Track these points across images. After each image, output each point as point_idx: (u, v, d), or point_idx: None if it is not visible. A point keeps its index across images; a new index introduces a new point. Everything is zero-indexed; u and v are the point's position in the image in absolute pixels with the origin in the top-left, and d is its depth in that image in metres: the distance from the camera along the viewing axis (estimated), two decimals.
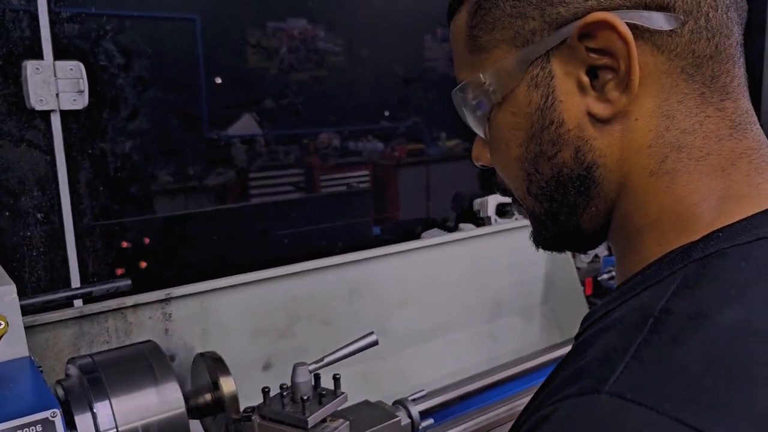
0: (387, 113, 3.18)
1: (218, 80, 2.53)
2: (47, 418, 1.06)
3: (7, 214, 2.07)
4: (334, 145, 3.05)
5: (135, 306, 1.70)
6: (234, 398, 1.35)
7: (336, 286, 2.08)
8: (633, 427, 0.51)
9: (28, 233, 2.11)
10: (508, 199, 3.04)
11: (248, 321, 1.89)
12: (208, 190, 2.54)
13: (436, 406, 1.75)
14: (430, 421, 1.49)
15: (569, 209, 0.78)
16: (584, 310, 2.61)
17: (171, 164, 2.41)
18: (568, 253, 2.68)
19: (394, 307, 2.20)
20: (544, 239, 0.86)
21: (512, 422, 1.77)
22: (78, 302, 1.87)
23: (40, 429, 1.04)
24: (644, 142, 0.70)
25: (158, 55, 2.33)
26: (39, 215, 2.11)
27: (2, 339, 1.29)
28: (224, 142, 2.57)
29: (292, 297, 1.99)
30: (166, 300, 1.75)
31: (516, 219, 2.83)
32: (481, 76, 0.79)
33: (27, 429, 1.04)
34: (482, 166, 0.91)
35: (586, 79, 0.71)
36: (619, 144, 0.71)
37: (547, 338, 2.65)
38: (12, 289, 1.33)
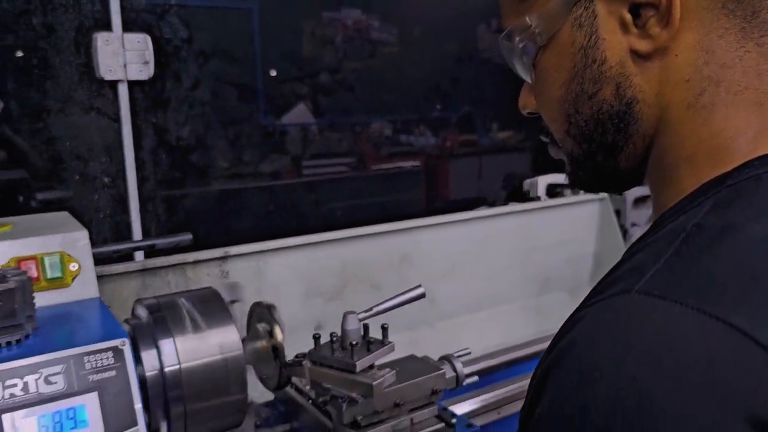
0: (438, 104, 3.21)
1: (273, 72, 2.61)
2: (117, 346, 1.14)
3: (77, 177, 2.19)
4: (385, 134, 3.09)
5: (195, 262, 1.79)
6: (283, 347, 1.41)
7: (385, 253, 2.14)
8: (657, 319, 0.54)
9: (96, 197, 2.23)
10: (559, 179, 3.03)
11: (300, 283, 1.97)
12: (265, 165, 2.62)
13: (482, 370, 1.79)
14: (475, 378, 1.52)
15: (607, 150, 0.81)
16: None
17: (229, 136, 2.50)
18: (618, 232, 2.67)
19: (442, 276, 2.24)
20: (580, 180, 0.88)
21: None
22: (140, 257, 1.98)
23: (111, 355, 1.13)
24: (683, 77, 0.72)
25: (219, 29, 2.43)
26: (106, 179, 2.23)
27: (75, 280, 1.39)
28: (279, 130, 2.65)
29: (343, 262, 2.06)
30: (224, 258, 1.83)
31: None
32: (527, 19, 0.82)
33: (99, 355, 1.12)
34: (529, 113, 0.94)
35: (628, 17, 0.74)
36: (658, 79, 0.74)
37: None
38: (85, 234, 1.43)
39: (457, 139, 3.40)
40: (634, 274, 0.61)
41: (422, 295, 1.37)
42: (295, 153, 2.71)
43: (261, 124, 2.63)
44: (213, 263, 1.81)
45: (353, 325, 1.31)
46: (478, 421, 1.65)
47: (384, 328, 1.35)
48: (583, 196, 2.68)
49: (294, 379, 1.60)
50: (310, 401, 1.50)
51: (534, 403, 0.64)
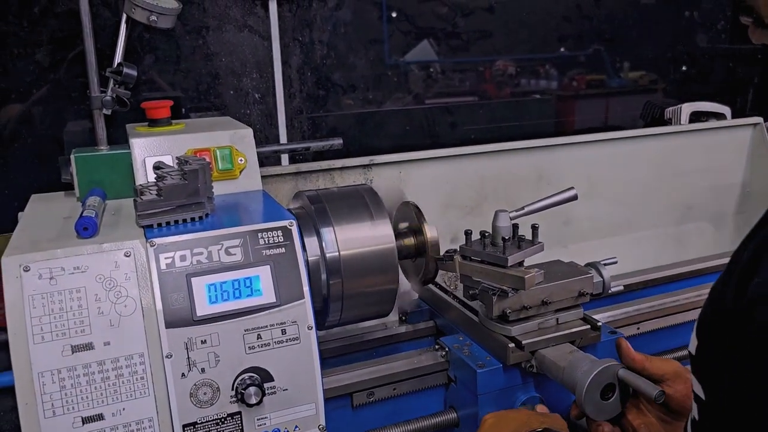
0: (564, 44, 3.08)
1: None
2: (285, 226, 1.24)
3: (231, 92, 2.33)
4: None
5: (342, 168, 1.87)
6: (435, 244, 1.47)
7: (523, 170, 2.13)
8: None
9: (248, 111, 2.36)
10: (705, 107, 2.83)
11: (439, 195, 2.01)
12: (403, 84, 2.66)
13: (629, 285, 1.77)
14: (620, 287, 1.52)
15: None
16: None
17: (370, 54, 2.54)
18: None
19: (580, 197, 2.20)
20: None
21: (695, 309, 1.74)
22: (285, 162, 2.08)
23: (281, 234, 1.23)
24: None
25: None
26: (257, 95, 2.35)
27: (242, 173, 1.51)
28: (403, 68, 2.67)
29: (481, 177, 2.07)
30: (369, 166, 1.90)
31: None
32: None
33: (271, 233, 1.22)
34: None
35: None
36: None
37: None
38: (250, 132, 1.53)
39: (584, 79, 3.27)
40: None
41: (574, 197, 1.37)
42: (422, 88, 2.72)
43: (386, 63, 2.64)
44: (358, 170, 1.89)
45: (504, 222, 1.34)
46: None
47: (534, 228, 1.37)
48: (734, 120, 2.52)
49: (438, 279, 1.66)
50: (455, 298, 1.55)
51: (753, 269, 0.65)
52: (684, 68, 3.45)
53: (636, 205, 2.35)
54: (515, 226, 1.37)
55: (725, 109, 3.06)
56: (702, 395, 0.78)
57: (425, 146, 2.55)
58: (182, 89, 2.26)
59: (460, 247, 1.39)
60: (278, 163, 2.17)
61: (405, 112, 2.70)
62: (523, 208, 1.36)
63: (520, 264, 1.34)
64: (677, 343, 1.78)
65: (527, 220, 1.40)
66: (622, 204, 2.31)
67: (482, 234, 1.37)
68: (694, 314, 1.76)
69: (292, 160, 2.31)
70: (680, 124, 2.95)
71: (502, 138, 2.23)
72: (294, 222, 1.25)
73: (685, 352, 1.76)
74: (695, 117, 3.01)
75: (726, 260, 2.06)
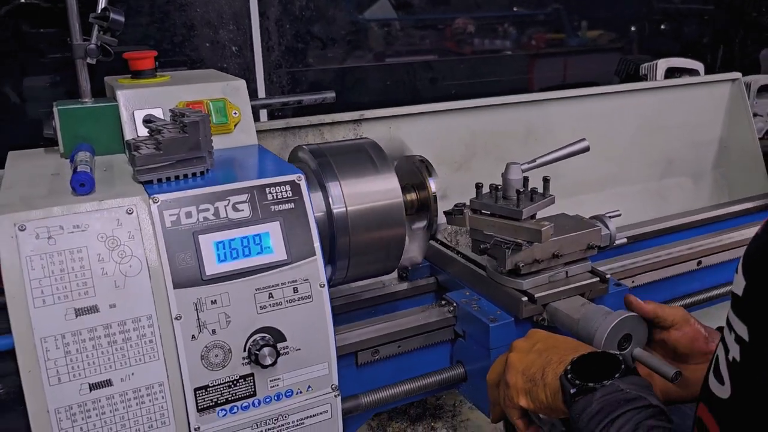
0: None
1: None
2: (294, 180, 1.18)
3: (207, 45, 2.22)
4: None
5: (332, 123, 1.81)
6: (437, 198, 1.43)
7: (512, 126, 2.10)
8: None
9: (225, 65, 2.25)
10: (678, 63, 2.84)
11: (430, 150, 1.95)
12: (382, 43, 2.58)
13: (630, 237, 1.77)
14: (624, 239, 1.51)
15: None
16: (763, 180, 2.48)
17: (350, 6, 2.45)
18: (750, 117, 2.52)
19: None
20: None
21: (692, 260, 1.74)
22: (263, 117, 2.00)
23: (289, 189, 1.17)
24: None
25: None
26: (234, 48, 2.25)
27: (237, 127, 1.43)
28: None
29: (471, 132, 2.04)
30: (359, 121, 1.84)
31: None
32: None
33: (279, 187, 1.16)
34: None
35: None
36: None
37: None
38: (243, 84, 1.45)
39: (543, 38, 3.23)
40: None
41: (586, 149, 1.34)
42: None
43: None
44: (348, 125, 1.83)
45: (516, 175, 1.31)
46: None
47: (546, 180, 1.34)
48: (713, 76, 2.53)
49: (437, 235, 1.62)
50: (458, 254, 1.52)
51: None
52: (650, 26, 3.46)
53: (620, 161, 2.35)
54: (526, 179, 1.34)
55: (698, 65, 3.09)
56: (746, 336, 0.77)
57: (407, 102, 2.49)
58: (156, 41, 2.14)
59: (470, 200, 1.36)
60: (257, 119, 2.09)
61: (387, 68, 2.64)
62: (534, 160, 1.33)
63: (533, 217, 1.31)
64: (670, 294, 1.80)
65: (537, 173, 1.37)
66: (607, 159, 2.31)
67: (493, 187, 1.33)
68: (689, 266, 1.79)
69: (271, 116, 2.23)
70: (656, 79, 2.97)
71: (483, 94, 2.18)
72: (302, 176, 1.19)
73: (677, 304, 1.79)
74: (670, 73, 3.03)
75: (706, 215, 2.09)
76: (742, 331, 0.77)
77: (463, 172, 2.04)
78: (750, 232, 1.86)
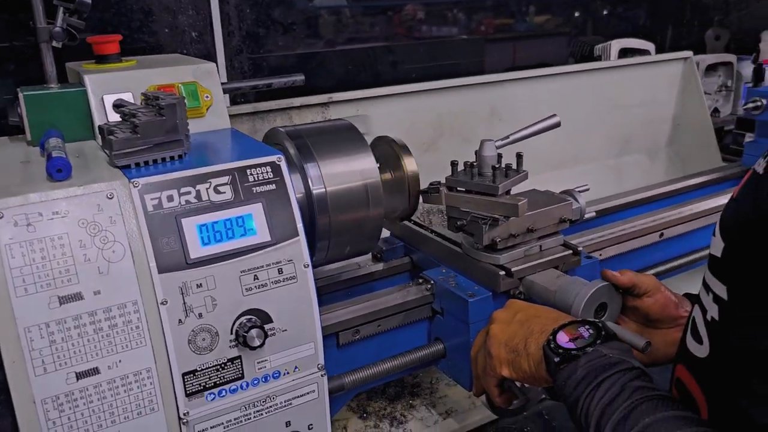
0: None
1: None
2: (274, 161, 1.18)
3: (166, 30, 2.17)
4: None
5: (300, 107, 1.80)
6: (416, 177, 1.44)
7: (477, 106, 2.13)
8: None
9: (185, 51, 2.21)
10: (631, 43, 2.92)
11: (398, 131, 1.95)
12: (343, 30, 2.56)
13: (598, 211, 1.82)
14: (593, 213, 1.55)
15: None
16: (715, 154, 2.58)
17: None
18: (702, 95, 2.62)
19: None
20: None
21: (655, 232, 1.80)
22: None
23: (270, 170, 1.16)
24: None
25: None
26: (194, 34, 2.20)
27: (209, 110, 1.41)
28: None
29: (437, 113, 2.06)
30: (327, 104, 1.84)
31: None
32: None
33: (259, 168, 1.16)
34: None
35: None
36: None
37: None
38: (214, 67, 1.44)
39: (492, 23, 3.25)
40: None
41: (557, 124, 1.37)
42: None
43: None
44: (317, 108, 1.83)
45: (490, 151, 1.33)
46: None
47: (519, 156, 1.36)
48: (666, 54, 2.61)
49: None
50: (433, 232, 1.54)
51: None
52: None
53: (579, 139, 2.41)
54: (500, 155, 1.36)
55: (649, 45, 3.18)
56: (724, 296, 0.80)
57: (370, 85, 2.49)
58: (113, 27, 2.08)
59: (446, 178, 1.38)
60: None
61: (347, 52, 2.62)
62: (508, 136, 1.35)
63: (508, 192, 1.34)
64: (636, 266, 1.86)
65: (511, 149, 1.39)
66: (566, 138, 2.36)
67: (468, 164, 1.35)
68: (652, 238, 1.86)
69: (233, 102, 2.20)
70: (610, 59, 3.04)
71: (442, 77, 2.20)
72: (282, 157, 1.18)
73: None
74: (623, 54, 3.11)
75: (665, 188, 2.15)
76: (721, 290, 0.81)
77: (431, 153, 2.06)
78: (707, 204, 1.94)
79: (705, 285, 0.86)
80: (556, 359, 0.98)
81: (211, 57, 2.25)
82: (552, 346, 1.00)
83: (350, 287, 1.57)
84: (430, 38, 2.92)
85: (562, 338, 1.00)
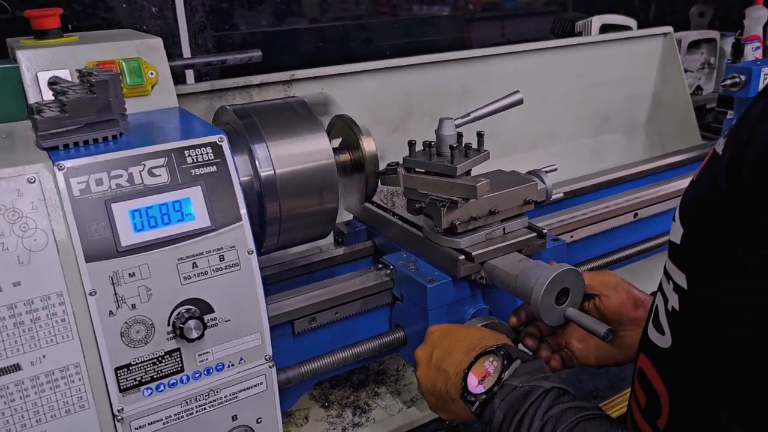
0: None
1: None
2: (215, 142, 1.11)
3: (124, 6, 2.08)
4: None
5: (260, 85, 1.72)
6: (373, 158, 1.38)
7: (448, 84, 2.05)
8: None
9: (145, 27, 2.12)
10: (612, 19, 2.84)
11: (365, 111, 1.90)
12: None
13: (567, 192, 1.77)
14: (561, 194, 1.49)
15: None
16: (694, 133, 2.52)
17: None
18: (682, 72, 2.55)
19: (504, 111, 2.16)
20: None
21: (629, 212, 1.75)
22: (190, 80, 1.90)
23: (210, 151, 1.10)
24: None
25: None
26: (153, 9, 2.11)
27: (154, 89, 1.33)
28: None
29: (407, 92, 1.98)
30: (289, 82, 1.76)
31: None
32: None
33: (199, 149, 1.09)
34: None
35: None
36: None
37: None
38: (160, 42, 1.36)
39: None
40: None
41: (520, 101, 1.31)
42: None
43: None
44: (278, 86, 1.75)
45: (449, 130, 1.26)
46: None
47: (480, 135, 1.30)
48: (645, 30, 2.54)
49: (374, 197, 1.58)
50: (395, 215, 1.48)
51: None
52: None
53: (556, 118, 2.34)
54: (460, 134, 1.30)
55: (631, 22, 3.10)
56: (684, 285, 0.75)
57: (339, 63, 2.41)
58: (65, 1, 1.99)
59: (403, 159, 1.31)
60: (184, 81, 1.98)
61: (318, 30, 2.53)
62: (468, 114, 1.29)
63: (468, 173, 1.27)
64: (608, 247, 1.81)
65: (472, 128, 1.33)
66: (543, 116, 2.30)
67: (426, 144, 1.28)
68: (625, 219, 1.80)
69: (198, 80, 2.12)
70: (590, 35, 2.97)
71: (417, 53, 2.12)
72: (224, 137, 1.11)
73: (616, 257, 1.80)
74: (604, 30, 3.04)
75: (641, 168, 2.09)
76: (681, 279, 0.76)
77: (400, 133, 1.99)
78: (684, 183, 1.88)
79: (666, 273, 0.81)
80: (473, 408, 0.98)
81: (174, 35, 2.16)
82: (465, 394, 1.00)
83: (311, 273, 1.51)
84: (411, 16, 2.83)
85: (472, 382, 1.00)
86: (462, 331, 1.17)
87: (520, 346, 1.26)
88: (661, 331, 0.81)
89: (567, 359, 1.25)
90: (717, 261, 0.70)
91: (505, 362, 0.98)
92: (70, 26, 2.00)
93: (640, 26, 3.09)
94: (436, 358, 1.10)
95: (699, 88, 3.25)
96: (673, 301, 0.78)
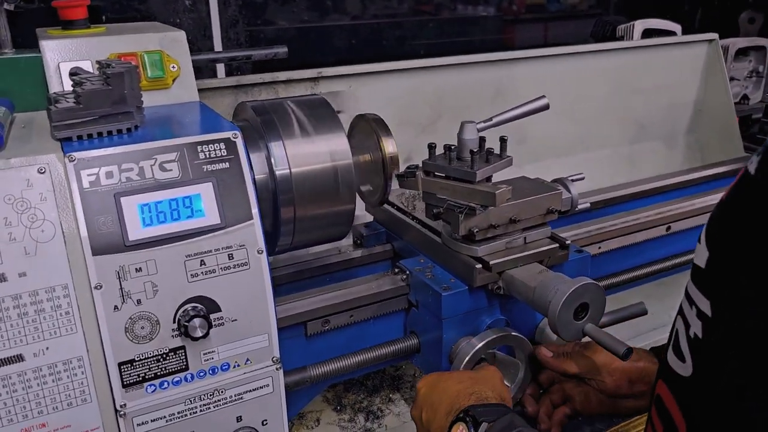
0: None
1: None
2: (229, 138, 1.09)
3: None
4: None
5: (287, 81, 1.71)
6: (394, 159, 1.34)
7: (480, 86, 2.01)
8: None
9: (178, 20, 2.13)
10: (659, 24, 2.74)
11: (393, 111, 1.86)
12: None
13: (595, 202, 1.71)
14: (587, 204, 1.44)
15: None
16: (737, 144, 2.42)
17: None
18: (726, 79, 2.45)
19: (536, 116, 2.10)
20: None
21: (661, 225, 1.69)
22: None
23: (224, 147, 1.08)
24: None
25: None
26: (187, 2, 2.12)
27: (175, 82, 1.33)
28: None
29: (437, 92, 1.94)
30: (317, 79, 1.74)
31: None
32: None
33: (212, 145, 1.07)
34: None
35: None
36: None
37: None
38: (183, 35, 1.34)
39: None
40: None
41: (546, 107, 1.26)
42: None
43: None
44: (305, 83, 1.73)
45: (471, 134, 1.23)
46: None
47: (503, 140, 1.26)
48: (689, 36, 2.45)
49: (394, 199, 1.55)
50: (414, 219, 1.45)
51: None
52: None
53: (591, 124, 2.27)
54: (482, 139, 1.26)
55: (676, 27, 3.00)
56: (708, 312, 0.70)
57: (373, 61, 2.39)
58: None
59: (423, 162, 1.27)
60: (214, 75, 1.98)
61: (351, 27, 2.51)
62: (491, 118, 1.25)
63: (488, 179, 1.23)
64: (637, 261, 1.74)
65: (495, 132, 1.29)
66: (577, 122, 2.24)
67: (447, 147, 1.25)
68: (657, 232, 1.73)
69: (229, 74, 2.12)
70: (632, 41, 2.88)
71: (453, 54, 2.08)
72: (238, 133, 1.09)
73: (645, 270, 1.73)
74: (647, 35, 2.95)
75: (676, 179, 2.01)
76: (705, 306, 0.71)
77: (428, 134, 1.95)
78: (720, 197, 1.80)
79: (688, 297, 0.75)
80: None
81: (206, 28, 2.17)
82: None
83: (327, 274, 1.49)
84: (450, 16, 2.79)
85: None
86: (444, 384, 1.14)
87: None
88: (682, 359, 0.76)
89: (571, 410, 1.27)
90: (744, 288, 0.65)
91: (471, 429, 0.98)
92: (104, 17, 2.03)
93: (686, 31, 2.99)
94: (425, 420, 1.11)
95: (745, 97, 3.13)
96: (696, 327, 0.73)
